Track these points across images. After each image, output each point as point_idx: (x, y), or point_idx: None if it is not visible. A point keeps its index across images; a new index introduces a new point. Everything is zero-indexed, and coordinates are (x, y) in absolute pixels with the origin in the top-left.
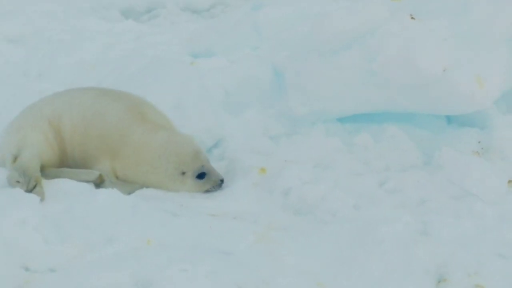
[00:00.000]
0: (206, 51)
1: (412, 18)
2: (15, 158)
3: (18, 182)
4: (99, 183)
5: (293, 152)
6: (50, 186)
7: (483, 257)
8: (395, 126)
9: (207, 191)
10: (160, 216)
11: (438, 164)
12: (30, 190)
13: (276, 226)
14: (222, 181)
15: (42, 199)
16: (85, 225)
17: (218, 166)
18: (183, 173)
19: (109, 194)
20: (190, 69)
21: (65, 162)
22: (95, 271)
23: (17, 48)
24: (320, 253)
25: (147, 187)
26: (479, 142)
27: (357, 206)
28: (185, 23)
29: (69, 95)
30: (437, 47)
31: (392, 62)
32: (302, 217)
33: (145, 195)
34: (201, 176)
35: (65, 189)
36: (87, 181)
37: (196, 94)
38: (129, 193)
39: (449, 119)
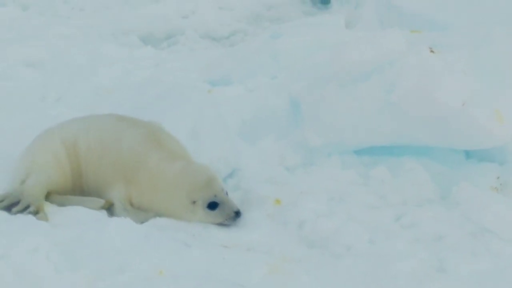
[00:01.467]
0: (223, 79)
1: (431, 51)
2: (22, 182)
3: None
4: (109, 209)
5: (308, 183)
6: (61, 213)
7: None
8: (413, 160)
9: (221, 224)
10: (173, 246)
11: (455, 199)
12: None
13: (289, 258)
14: (237, 213)
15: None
16: (96, 254)
17: (233, 196)
18: (194, 202)
19: (121, 223)
20: (207, 96)
21: (78, 186)
22: None
23: (35, 72)
24: (333, 286)
25: (161, 215)
26: (498, 177)
27: (372, 241)
28: (204, 50)
29: (87, 120)
30: (456, 80)
31: (411, 94)
32: (316, 250)
33: (157, 225)
34: (212, 206)
35: (77, 216)
36: (92, 209)
37: (212, 122)
38: (142, 222)
39: (468, 154)
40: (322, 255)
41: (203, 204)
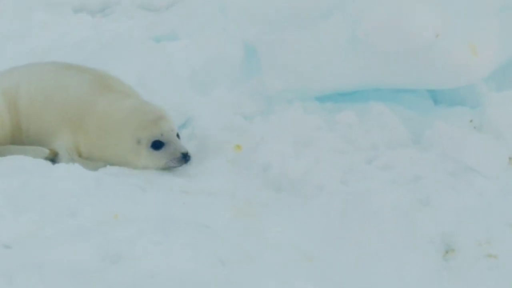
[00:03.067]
0: (169, 35)
1: None
2: None
3: None
4: (54, 160)
5: (269, 129)
6: (3, 162)
7: (492, 227)
8: (380, 104)
9: (169, 167)
10: (127, 190)
11: (430, 142)
12: None
13: (256, 202)
14: (185, 155)
15: None
16: (43, 200)
17: (188, 146)
18: (139, 142)
19: (70, 169)
20: (152, 46)
21: (18, 137)
22: (55, 245)
23: None
24: (307, 226)
25: (111, 164)
26: (471, 121)
27: (345, 181)
28: (143, 18)
29: (27, 68)
30: (428, 10)
31: (379, 27)
32: (285, 193)
33: (109, 172)
34: (156, 145)
35: (20, 165)
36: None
37: (160, 72)
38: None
39: (436, 100)
40: (291, 197)
41: (148, 143)
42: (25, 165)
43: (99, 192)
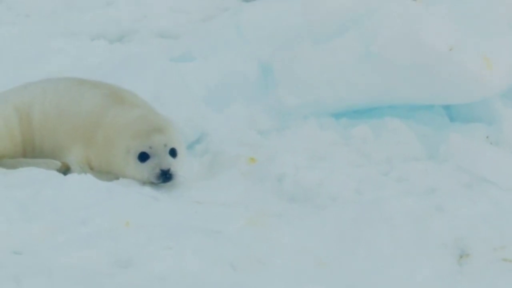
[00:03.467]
0: (185, 55)
1: None
2: None
3: None
4: (66, 173)
5: (284, 145)
6: (15, 174)
7: (507, 233)
8: (396, 120)
9: (152, 182)
10: (139, 199)
11: (445, 155)
12: None
13: (269, 212)
14: (165, 173)
15: None
16: (55, 207)
17: (201, 160)
18: (128, 151)
19: (82, 179)
20: (169, 66)
21: (30, 151)
22: (66, 251)
23: None
24: (320, 233)
25: (123, 177)
26: (487, 137)
27: (360, 191)
28: (160, 45)
29: (42, 84)
30: (442, 25)
31: (394, 42)
32: (299, 203)
33: (121, 183)
34: (142, 157)
35: (32, 175)
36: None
37: (175, 89)
38: None
39: (451, 116)
40: (305, 208)
41: (135, 153)
42: (37, 176)
43: (111, 201)
